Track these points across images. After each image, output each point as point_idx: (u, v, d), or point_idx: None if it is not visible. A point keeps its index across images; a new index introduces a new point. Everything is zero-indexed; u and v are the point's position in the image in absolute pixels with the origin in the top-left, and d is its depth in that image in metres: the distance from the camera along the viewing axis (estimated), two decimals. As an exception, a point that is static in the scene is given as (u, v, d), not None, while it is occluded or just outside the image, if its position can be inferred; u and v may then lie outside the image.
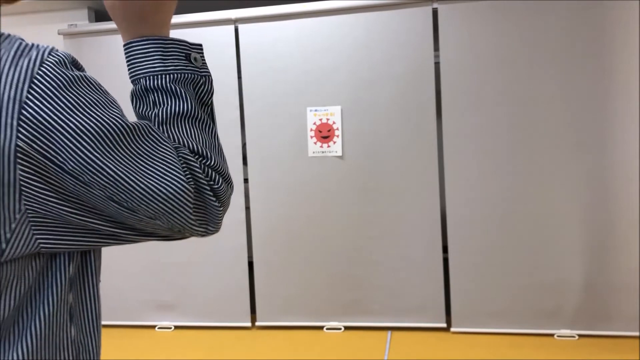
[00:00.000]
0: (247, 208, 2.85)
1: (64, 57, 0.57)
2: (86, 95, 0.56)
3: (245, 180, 2.84)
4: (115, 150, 0.56)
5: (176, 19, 2.82)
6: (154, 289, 2.93)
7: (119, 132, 0.57)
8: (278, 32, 2.73)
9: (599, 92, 2.44)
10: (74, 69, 0.58)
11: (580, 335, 2.51)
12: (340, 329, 2.76)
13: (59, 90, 0.54)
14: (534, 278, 2.55)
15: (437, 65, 2.59)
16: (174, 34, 2.95)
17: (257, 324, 2.86)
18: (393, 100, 2.65)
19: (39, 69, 0.54)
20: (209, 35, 2.80)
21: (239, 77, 2.81)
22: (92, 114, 0.56)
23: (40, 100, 0.53)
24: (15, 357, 0.57)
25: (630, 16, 2.38)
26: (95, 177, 0.55)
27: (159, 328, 2.92)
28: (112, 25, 2.90)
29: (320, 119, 2.72)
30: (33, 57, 0.54)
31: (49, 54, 0.55)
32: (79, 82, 0.56)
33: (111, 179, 0.56)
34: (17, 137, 0.51)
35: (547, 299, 2.54)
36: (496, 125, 2.54)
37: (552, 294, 2.54)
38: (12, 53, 0.54)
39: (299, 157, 2.76)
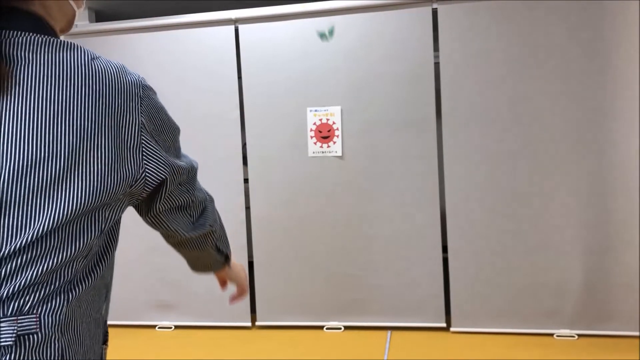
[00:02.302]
0: (247, 208, 2.85)
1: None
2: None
3: (245, 180, 2.84)
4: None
5: (176, 19, 2.82)
6: (154, 289, 2.93)
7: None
8: (278, 32, 2.73)
9: (599, 92, 2.44)
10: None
11: (579, 335, 2.51)
12: (340, 329, 2.77)
13: (156, 96, 0.86)
14: (533, 278, 2.55)
15: (437, 65, 2.59)
16: (174, 34, 2.95)
17: (257, 324, 2.86)
18: (393, 100, 2.65)
19: (142, 79, 0.83)
20: (209, 35, 2.80)
21: (239, 77, 2.81)
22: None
23: (150, 95, 0.83)
24: (108, 279, 0.83)
25: (630, 16, 2.39)
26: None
27: (159, 328, 2.92)
28: (112, 25, 2.90)
29: (320, 119, 2.72)
30: (134, 73, 0.83)
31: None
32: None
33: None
34: (140, 114, 0.80)
35: (546, 298, 2.54)
36: (496, 125, 2.54)
37: (552, 294, 2.54)
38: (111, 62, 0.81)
39: (299, 157, 2.76)
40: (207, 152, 2.84)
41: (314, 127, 2.73)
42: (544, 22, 2.46)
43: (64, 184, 0.68)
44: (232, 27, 2.78)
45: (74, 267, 0.70)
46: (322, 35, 2.53)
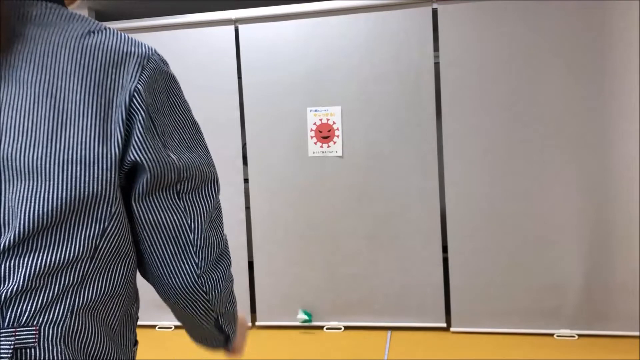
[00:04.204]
0: (247, 208, 2.85)
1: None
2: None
3: (245, 180, 2.84)
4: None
5: (176, 19, 2.82)
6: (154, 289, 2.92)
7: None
8: (278, 32, 2.73)
9: (599, 92, 2.44)
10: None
11: (579, 335, 2.51)
12: (340, 329, 2.77)
13: (169, 73, 0.77)
14: (533, 278, 2.55)
15: (437, 65, 2.59)
16: (174, 34, 2.95)
17: (257, 324, 2.86)
18: (393, 100, 2.65)
19: (152, 51, 0.73)
20: (209, 35, 2.80)
21: (239, 77, 2.81)
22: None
23: (157, 68, 0.73)
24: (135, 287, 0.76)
25: (630, 16, 2.38)
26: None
27: (159, 328, 2.92)
28: (112, 25, 2.90)
29: (320, 119, 2.72)
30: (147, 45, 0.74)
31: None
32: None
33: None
34: (138, 81, 0.68)
35: (547, 298, 2.54)
36: (496, 125, 2.54)
37: (552, 294, 2.54)
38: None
39: (299, 157, 2.76)
40: (207, 152, 2.84)
41: (314, 127, 2.73)
42: (544, 22, 2.46)
43: (44, 176, 0.62)
44: (232, 27, 2.78)
45: (78, 270, 0.63)
46: (305, 319, 2.74)
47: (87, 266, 0.64)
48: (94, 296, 0.65)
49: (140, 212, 0.69)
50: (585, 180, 2.48)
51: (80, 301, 0.63)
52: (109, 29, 0.71)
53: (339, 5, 2.65)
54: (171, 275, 0.72)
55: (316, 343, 2.62)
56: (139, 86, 0.67)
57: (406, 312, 2.71)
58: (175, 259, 0.72)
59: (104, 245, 0.65)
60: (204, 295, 0.74)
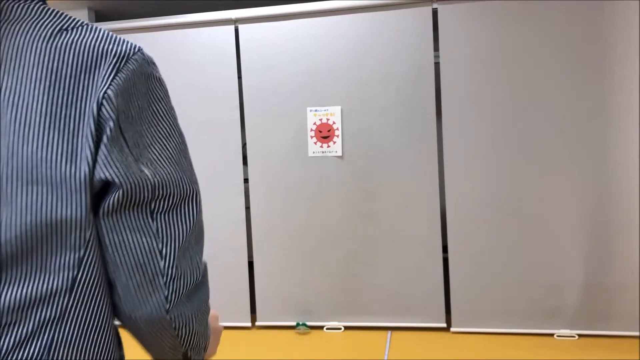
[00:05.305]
0: (247, 208, 2.85)
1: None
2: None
3: (245, 180, 2.84)
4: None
5: (176, 19, 2.82)
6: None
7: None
8: (278, 32, 2.73)
9: (599, 92, 2.44)
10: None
11: (580, 335, 2.51)
12: (340, 329, 2.77)
13: (154, 77, 0.66)
14: (533, 278, 2.55)
15: (437, 65, 2.59)
16: (174, 34, 2.96)
17: (257, 324, 2.86)
18: (393, 100, 2.65)
19: (135, 51, 0.64)
20: (209, 35, 2.80)
21: (239, 77, 2.81)
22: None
23: (137, 70, 0.63)
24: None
25: (630, 16, 2.38)
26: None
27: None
28: (112, 25, 2.90)
29: (320, 119, 2.72)
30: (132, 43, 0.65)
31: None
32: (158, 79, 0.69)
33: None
34: (109, 86, 0.59)
35: (547, 299, 2.54)
36: (496, 125, 2.54)
37: (552, 294, 2.54)
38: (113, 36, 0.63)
39: (299, 157, 2.76)
40: (207, 152, 2.84)
41: (314, 127, 2.73)
42: (544, 22, 2.46)
43: (4, 199, 0.54)
44: (232, 27, 2.78)
45: (56, 305, 0.56)
46: (300, 326, 2.75)
47: (66, 300, 0.57)
48: (75, 332, 0.58)
49: (106, 230, 0.59)
50: (585, 180, 2.48)
51: (60, 338, 0.56)
52: (87, 25, 0.62)
53: (339, 5, 2.65)
54: (135, 309, 0.62)
55: (316, 343, 2.62)
56: (109, 91, 0.58)
57: (406, 312, 2.71)
58: (141, 289, 0.61)
59: (83, 276, 0.58)
60: (173, 331, 0.64)
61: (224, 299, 2.87)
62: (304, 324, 2.75)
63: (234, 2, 3.02)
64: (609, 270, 2.48)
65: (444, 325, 2.67)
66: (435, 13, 2.57)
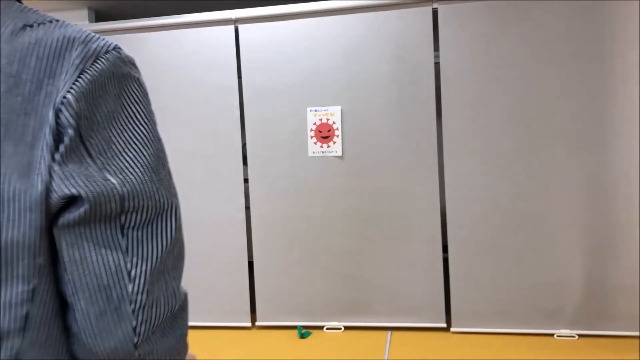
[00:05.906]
0: (247, 208, 2.85)
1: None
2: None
3: (245, 180, 2.84)
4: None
5: (176, 19, 2.82)
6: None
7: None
8: (278, 32, 2.73)
9: (599, 92, 2.44)
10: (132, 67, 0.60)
11: (580, 335, 2.51)
12: (340, 329, 2.77)
13: (131, 79, 0.58)
14: (533, 278, 2.55)
15: (437, 65, 2.59)
16: (174, 34, 2.95)
17: (257, 324, 2.86)
18: (393, 100, 2.65)
19: (110, 49, 0.56)
20: (209, 35, 2.80)
21: (239, 77, 2.81)
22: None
23: (105, 70, 0.55)
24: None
25: (630, 16, 2.38)
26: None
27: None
28: (112, 25, 2.90)
29: (320, 119, 2.72)
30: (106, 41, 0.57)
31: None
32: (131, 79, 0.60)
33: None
34: (69, 89, 0.51)
35: (547, 298, 2.54)
36: (496, 125, 2.54)
37: (552, 294, 2.54)
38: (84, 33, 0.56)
39: (299, 157, 2.76)
40: (207, 152, 2.84)
41: (314, 127, 2.73)
42: (543, 22, 2.46)
43: None
44: (232, 27, 2.78)
45: (7, 349, 0.47)
46: (302, 333, 2.72)
47: (17, 344, 0.47)
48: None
49: (65, 245, 0.50)
50: (585, 181, 2.48)
51: None
52: (57, 21, 0.55)
53: (339, 5, 2.65)
54: (97, 342, 0.51)
55: (316, 343, 2.62)
56: (68, 96, 0.50)
57: (406, 312, 2.71)
58: (105, 318, 0.51)
59: (36, 313, 0.48)
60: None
61: (224, 299, 2.87)
62: (307, 333, 2.74)
63: (234, 2, 3.02)
64: (609, 270, 2.48)
65: (444, 325, 2.67)
66: (435, 13, 2.57)
